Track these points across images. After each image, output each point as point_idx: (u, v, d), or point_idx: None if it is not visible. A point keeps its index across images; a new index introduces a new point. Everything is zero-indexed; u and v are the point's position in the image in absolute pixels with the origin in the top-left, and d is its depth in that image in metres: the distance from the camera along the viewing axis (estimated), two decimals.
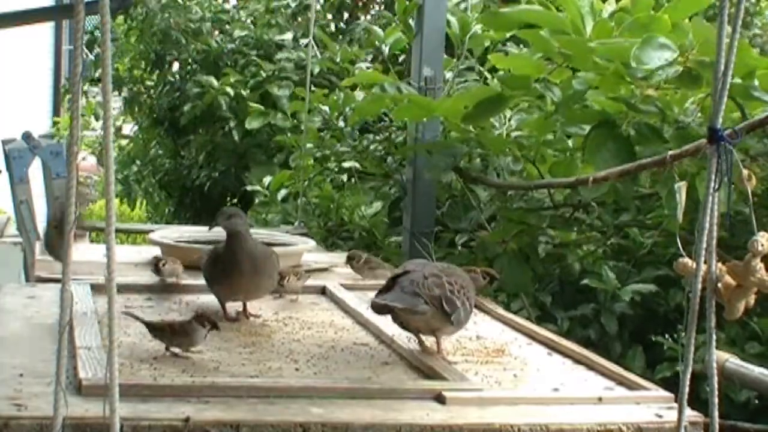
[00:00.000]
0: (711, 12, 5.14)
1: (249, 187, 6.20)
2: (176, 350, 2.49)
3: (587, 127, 3.97)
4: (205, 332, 2.50)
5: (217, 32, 7.87)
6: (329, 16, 8.07)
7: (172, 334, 2.49)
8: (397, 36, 5.43)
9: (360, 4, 8.03)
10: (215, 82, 7.22)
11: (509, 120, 4.47)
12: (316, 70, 6.48)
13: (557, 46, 3.93)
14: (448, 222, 4.54)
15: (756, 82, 3.54)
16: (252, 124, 6.51)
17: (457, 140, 4.55)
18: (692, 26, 3.62)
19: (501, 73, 4.84)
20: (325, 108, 5.68)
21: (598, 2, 4.17)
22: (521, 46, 5.24)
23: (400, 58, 6.65)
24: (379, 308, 2.53)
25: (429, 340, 2.64)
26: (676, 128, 3.76)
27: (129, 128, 8.88)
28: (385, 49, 5.45)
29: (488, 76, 5.19)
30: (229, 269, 2.90)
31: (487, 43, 5.23)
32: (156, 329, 2.54)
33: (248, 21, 7.94)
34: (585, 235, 4.39)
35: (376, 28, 5.90)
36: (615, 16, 4.03)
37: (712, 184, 1.85)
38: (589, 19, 3.99)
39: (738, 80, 3.51)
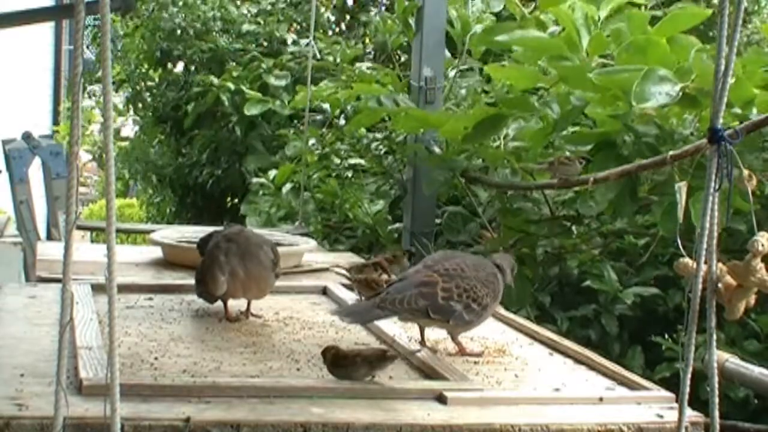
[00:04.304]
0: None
1: (255, 180, 6.15)
2: None
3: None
4: None
5: (222, 32, 7.82)
6: (331, 17, 8.05)
7: None
8: (395, 34, 5.44)
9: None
10: (215, 80, 7.21)
11: (507, 130, 4.46)
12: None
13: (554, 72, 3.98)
14: (447, 235, 4.51)
15: (754, 111, 3.56)
16: (251, 110, 6.55)
17: (455, 152, 4.54)
18: (693, 63, 3.62)
19: (499, 86, 4.85)
20: (326, 106, 5.66)
21: (592, 10, 4.17)
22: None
23: (402, 58, 6.63)
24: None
25: (430, 340, 2.65)
26: (674, 142, 3.76)
27: (129, 129, 8.86)
28: (389, 40, 5.43)
29: (491, 75, 5.18)
30: (218, 269, 2.85)
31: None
32: None
33: (258, 18, 7.92)
34: (583, 239, 4.39)
35: (377, 18, 5.88)
36: (612, 31, 4.04)
37: (713, 184, 1.85)
38: (584, 33, 4.01)
39: (737, 110, 3.54)
